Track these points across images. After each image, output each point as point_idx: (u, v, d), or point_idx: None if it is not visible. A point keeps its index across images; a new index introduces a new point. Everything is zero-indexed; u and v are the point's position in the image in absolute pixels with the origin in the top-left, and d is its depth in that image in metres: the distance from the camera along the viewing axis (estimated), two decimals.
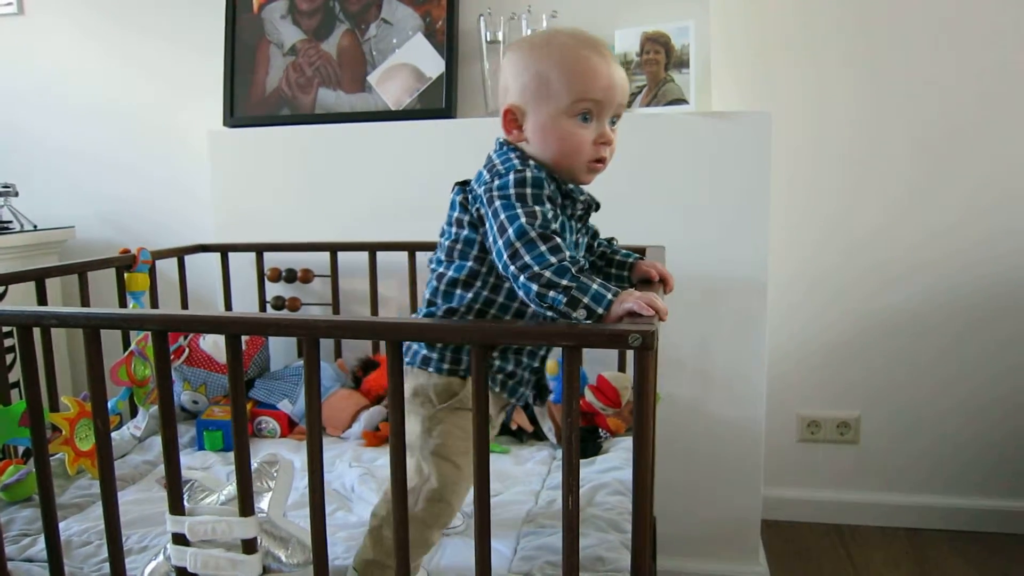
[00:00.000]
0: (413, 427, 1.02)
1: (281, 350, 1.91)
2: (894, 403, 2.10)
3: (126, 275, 1.62)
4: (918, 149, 2.01)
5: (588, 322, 0.83)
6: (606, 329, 0.75)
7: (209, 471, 1.45)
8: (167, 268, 1.88)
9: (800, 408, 2.15)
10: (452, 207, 1.00)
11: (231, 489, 1.01)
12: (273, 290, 1.90)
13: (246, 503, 0.91)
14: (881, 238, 2.05)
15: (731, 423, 1.77)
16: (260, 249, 1.84)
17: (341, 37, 1.86)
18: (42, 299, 1.44)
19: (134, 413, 1.67)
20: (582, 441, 1.51)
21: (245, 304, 1.90)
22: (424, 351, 1.03)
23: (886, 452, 2.13)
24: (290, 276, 1.85)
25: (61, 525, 1.21)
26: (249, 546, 0.93)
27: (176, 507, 0.94)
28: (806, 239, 2.08)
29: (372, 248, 1.79)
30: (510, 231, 0.87)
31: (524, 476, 1.42)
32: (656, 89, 1.68)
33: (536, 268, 0.84)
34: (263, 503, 1.00)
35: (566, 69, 0.95)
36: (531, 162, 0.96)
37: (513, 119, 0.99)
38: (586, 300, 0.82)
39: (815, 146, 2.05)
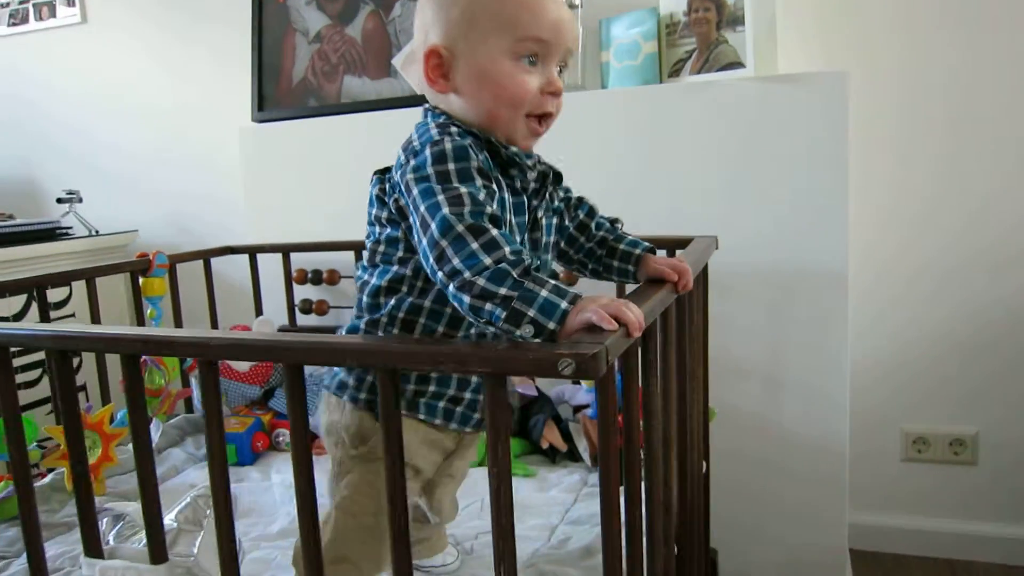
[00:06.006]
0: (329, 464, 0.88)
1: None
2: (1019, 417, 1.75)
3: (142, 280, 1.56)
4: None
5: (536, 341, 0.64)
6: (529, 353, 0.56)
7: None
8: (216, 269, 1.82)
9: (904, 422, 1.83)
10: (370, 202, 0.84)
11: (169, 520, 0.90)
12: (304, 292, 1.80)
13: (157, 549, 0.78)
14: (993, 217, 1.69)
15: (808, 441, 1.51)
16: (287, 250, 1.75)
17: (366, 20, 1.73)
18: (44, 308, 1.39)
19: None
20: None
21: (276, 307, 1.81)
22: (341, 374, 0.87)
23: (1010, 475, 1.77)
24: (316, 278, 1.75)
25: (48, 545, 1.15)
26: None
27: (92, 548, 0.83)
28: (900, 222, 1.75)
29: None
30: (432, 227, 0.70)
31: (544, 506, 1.24)
32: (708, 53, 1.44)
33: (467, 274, 0.66)
34: (196, 544, 0.87)
35: (509, 0, 0.78)
36: (453, 128, 0.78)
37: (438, 64, 0.80)
38: (532, 313, 0.64)
39: (905, 110, 1.71)
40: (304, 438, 0.67)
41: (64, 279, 1.45)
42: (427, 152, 0.74)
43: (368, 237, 0.86)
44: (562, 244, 0.95)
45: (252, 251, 1.78)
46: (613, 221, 0.98)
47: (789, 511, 1.53)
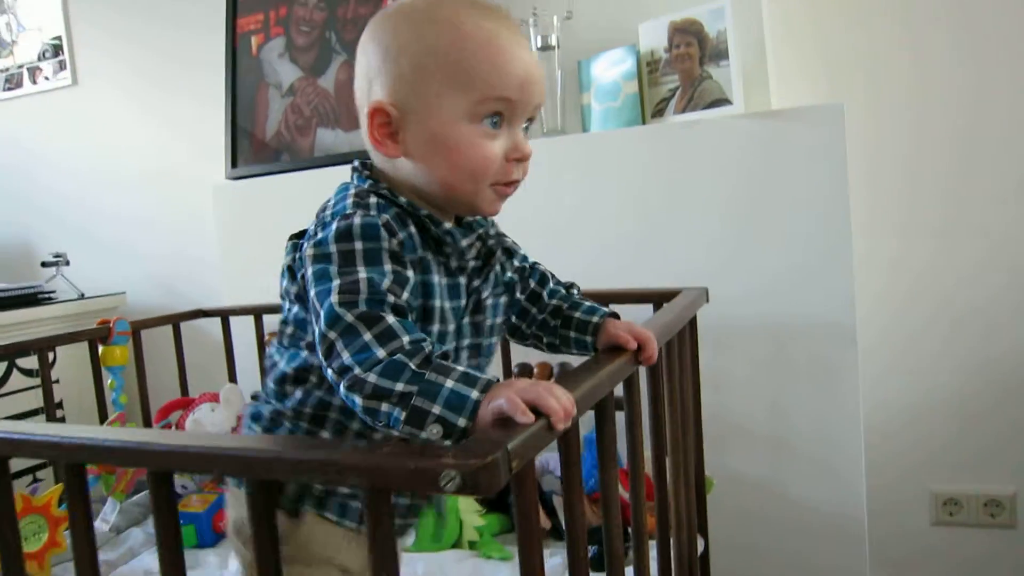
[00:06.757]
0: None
1: None
2: None
3: (102, 349, 1.48)
4: None
5: (447, 444, 0.53)
6: (409, 461, 0.44)
7: None
8: (190, 333, 1.74)
9: (933, 482, 1.67)
10: (281, 273, 0.72)
11: None
12: None
13: None
14: (1012, 251, 1.55)
15: (822, 508, 1.36)
16: (259, 312, 1.66)
17: (338, 70, 1.67)
18: None
19: None
20: (594, 543, 1.17)
21: (251, 371, 1.71)
22: None
23: None
24: None
25: None
26: None
27: None
28: (909, 261, 1.61)
29: None
30: (321, 316, 0.59)
31: None
32: (691, 90, 1.35)
33: (357, 371, 0.56)
34: None
35: (468, 51, 0.66)
36: (372, 199, 0.67)
37: (385, 123, 0.68)
38: (437, 410, 0.53)
39: (911, 141, 1.58)
40: (177, 565, 0.56)
41: (13, 351, 1.37)
42: (333, 226, 0.64)
43: (281, 313, 0.74)
44: (513, 319, 0.84)
45: (224, 314, 1.70)
46: (568, 287, 0.86)
47: None
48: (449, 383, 0.54)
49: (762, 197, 1.33)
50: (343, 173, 1.64)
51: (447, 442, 0.53)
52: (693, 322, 1.14)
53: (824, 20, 1.60)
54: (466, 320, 0.72)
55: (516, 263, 0.83)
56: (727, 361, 1.36)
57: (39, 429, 0.59)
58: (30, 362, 1.90)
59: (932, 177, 1.58)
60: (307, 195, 1.62)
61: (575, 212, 1.44)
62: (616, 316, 0.80)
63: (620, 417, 0.75)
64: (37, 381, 1.88)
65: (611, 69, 1.43)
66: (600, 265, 1.42)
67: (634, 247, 1.42)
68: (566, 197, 1.44)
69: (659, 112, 1.39)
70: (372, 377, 0.55)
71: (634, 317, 1.10)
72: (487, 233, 0.74)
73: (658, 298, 1.25)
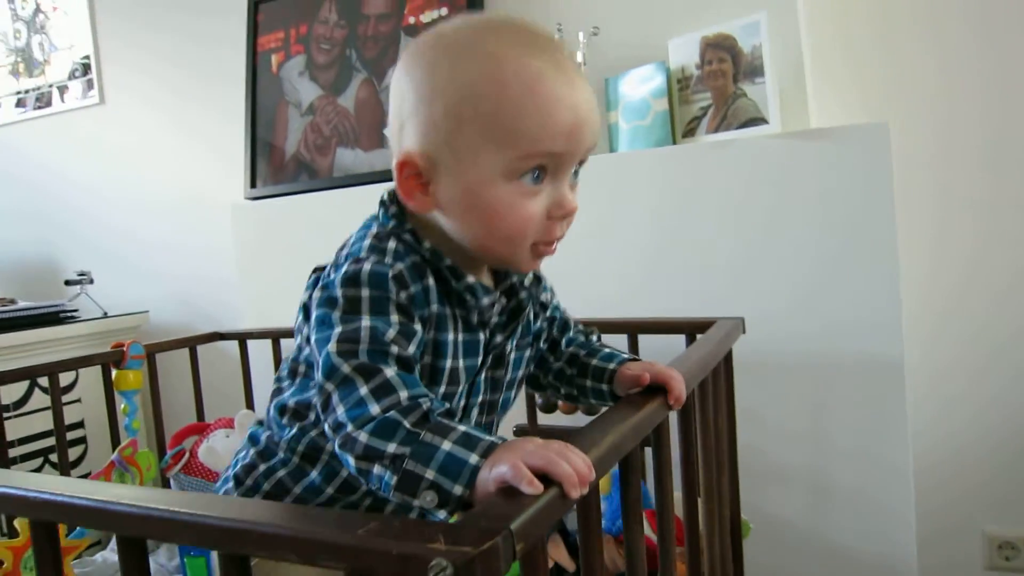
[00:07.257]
0: None
1: None
2: None
3: (115, 373, 1.45)
4: None
5: (441, 514, 0.47)
6: (392, 546, 0.38)
7: None
8: (208, 354, 1.70)
9: (988, 524, 1.56)
10: (299, 310, 0.67)
11: None
12: None
13: None
14: None
15: (865, 558, 1.27)
16: (276, 336, 1.61)
17: (359, 89, 1.63)
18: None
19: None
20: None
21: (267, 396, 1.67)
22: (248, 458, 0.71)
23: None
24: None
25: None
26: None
27: None
28: (946, 283, 1.51)
29: None
30: (319, 365, 0.55)
31: None
32: (724, 108, 1.28)
33: (350, 428, 0.51)
34: None
35: (509, 100, 0.58)
36: (390, 244, 0.61)
37: (414, 176, 0.62)
38: (430, 475, 0.47)
39: (944, 161, 1.49)
40: None
41: (25, 375, 1.34)
42: (343, 269, 0.59)
43: (293, 348, 0.69)
44: (531, 368, 0.78)
45: (242, 337, 1.66)
46: (588, 333, 0.80)
47: None
48: (446, 445, 0.48)
49: (800, 221, 1.25)
50: (362, 193, 1.60)
51: (442, 513, 0.47)
52: (728, 357, 1.07)
53: (866, 33, 1.51)
54: (482, 376, 0.67)
55: (548, 313, 0.77)
56: (763, 394, 1.28)
57: (3, 480, 0.54)
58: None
59: (964, 195, 1.49)
60: (326, 215, 1.60)
61: (602, 235, 1.38)
62: (634, 359, 0.74)
63: (648, 452, 0.69)
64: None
65: (640, 86, 1.36)
66: (629, 290, 1.35)
67: (664, 272, 1.35)
68: (593, 220, 1.37)
69: (690, 131, 1.32)
70: (363, 436, 0.50)
71: (666, 349, 1.03)
72: (520, 284, 0.69)
73: (691, 329, 1.18)
